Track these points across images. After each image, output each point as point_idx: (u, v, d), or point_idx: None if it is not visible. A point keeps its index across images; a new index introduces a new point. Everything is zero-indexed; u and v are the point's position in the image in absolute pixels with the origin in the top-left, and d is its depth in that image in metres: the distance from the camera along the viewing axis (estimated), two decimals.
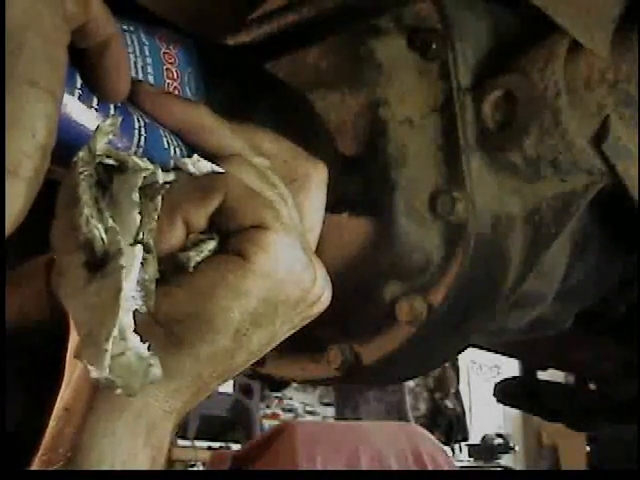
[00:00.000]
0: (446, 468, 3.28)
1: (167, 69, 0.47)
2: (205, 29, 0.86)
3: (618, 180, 0.60)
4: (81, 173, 0.39)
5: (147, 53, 0.46)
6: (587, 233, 0.74)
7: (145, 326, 0.39)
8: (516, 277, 0.64)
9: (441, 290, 0.62)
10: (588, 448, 4.21)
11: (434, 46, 0.61)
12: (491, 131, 0.61)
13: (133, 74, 0.45)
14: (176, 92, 0.47)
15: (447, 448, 4.20)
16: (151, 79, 0.46)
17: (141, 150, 0.41)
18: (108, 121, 0.39)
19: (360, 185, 0.64)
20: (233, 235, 0.42)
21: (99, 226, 0.39)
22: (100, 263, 0.39)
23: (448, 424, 5.77)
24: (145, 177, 0.40)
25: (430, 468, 3.20)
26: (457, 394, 5.98)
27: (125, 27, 0.45)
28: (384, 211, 0.63)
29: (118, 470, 0.40)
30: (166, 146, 0.42)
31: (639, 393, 1.10)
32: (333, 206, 0.58)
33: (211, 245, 0.42)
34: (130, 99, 0.42)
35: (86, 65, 0.39)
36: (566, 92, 0.59)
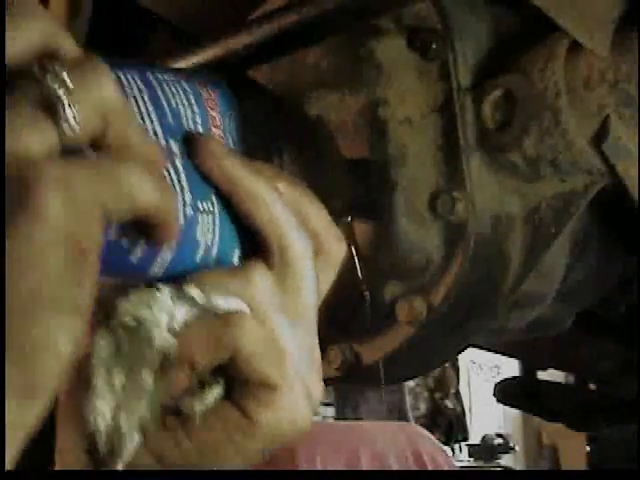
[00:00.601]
0: (446, 468, 3.28)
1: (211, 117, 0.45)
2: (205, 29, 0.86)
3: (618, 180, 0.60)
4: (98, 357, 0.39)
5: (192, 101, 0.44)
6: (587, 233, 0.74)
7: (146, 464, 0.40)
8: (516, 277, 0.64)
9: (441, 290, 0.62)
10: (588, 448, 4.21)
11: (434, 46, 0.61)
12: (491, 131, 0.61)
13: (184, 126, 0.43)
14: (221, 141, 0.46)
15: (447, 448, 4.20)
16: (200, 129, 0.44)
17: (163, 270, 0.39)
18: (133, 298, 0.38)
19: (361, 187, 0.64)
20: (238, 386, 0.42)
21: (107, 416, 0.39)
22: (102, 457, 0.39)
23: (448, 424, 5.77)
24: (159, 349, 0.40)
25: (430, 468, 3.20)
26: (457, 394, 5.98)
27: (169, 78, 0.44)
28: (384, 211, 0.63)
29: (119, 470, 0.40)
30: (197, 261, 0.41)
31: (639, 393, 1.10)
32: (340, 211, 0.58)
33: (216, 391, 0.42)
34: (190, 154, 0.41)
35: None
36: (566, 92, 0.59)
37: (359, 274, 0.64)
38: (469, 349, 0.77)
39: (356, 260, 0.64)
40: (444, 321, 0.63)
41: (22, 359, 0.32)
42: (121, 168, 0.34)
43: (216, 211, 0.42)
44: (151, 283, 0.41)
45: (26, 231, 0.31)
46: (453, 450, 5.82)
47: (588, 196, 0.62)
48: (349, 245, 0.65)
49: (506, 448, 6.38)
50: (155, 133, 0.40)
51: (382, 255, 0.63)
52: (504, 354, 1.23)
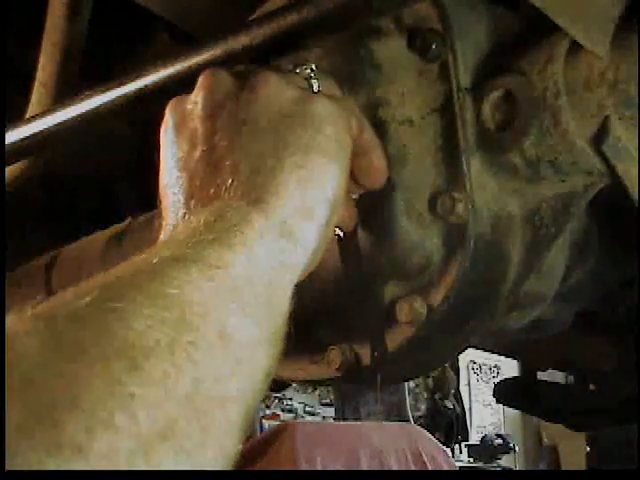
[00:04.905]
0: (446, 468, 3.29)
1: None
2: (204, 29, 0.86)
3: (618, 181, 0.60)
4: None
5: None
6: (587, 233, 0.74)
7: None
8: (516, 277, 0.64)
9: (441, 290, 0.62)
10: (588, 448, 4.21)
11: (434, 46, 0.61)
12: (491, 131, 0.61)
13: None
14: None
15: (447, 448, 4.21)
16: None
17: None
18: None
19: None
20: None
21: None
22: None
23: (448, 424, 5.77)
24: None
25: (430, 468, 3.21)
26: (457, 394, 5.98)
27: None
28: (384, 211, 0.63)
29: (121, 470, 0.39)
30: None
31: (639, 393, 1.10)
32: None
33: None
34: None
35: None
36: (566, 92, 0.59)
37: (359, 274, 0.64)
38: (469, 349, 0.77)
39: (357, 260, 0.64)
40: (444, 321, 0.63)
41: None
42: None
43: None
44: None
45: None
46: (453, 450, 5.82)
47: (588, 196, 0.62)
48: (350, 245, 0.65)
49: (506, 448, 6.38)
50: None
51: (382, 255, 0.63)
52: (504, 354, 1.23)
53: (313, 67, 0.60)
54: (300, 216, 0.51)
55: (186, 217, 0.51)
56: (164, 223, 0.54)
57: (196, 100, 0.56)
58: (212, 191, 0.51)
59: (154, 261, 0.42)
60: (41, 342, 0.35)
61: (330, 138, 0.55)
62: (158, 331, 0.38)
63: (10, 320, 0.37)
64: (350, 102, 0.61)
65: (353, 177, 0.59)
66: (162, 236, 0.52)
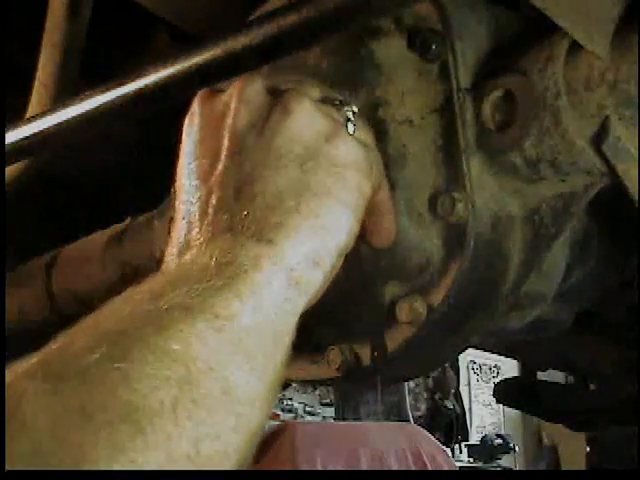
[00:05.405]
0: (446, 468, 3.29)
1: None
2: (205, 29, 0.86)
3: (618, 181, 0.60)
4: None
5: None
6: (587, 233, 0.74)
7: None
8: (516, 277, 0.64)
9: (441, 290, 0.62)
10: (588, 448, 4.21)
11: (434, 47, 0.61)
12: (491, 132, 0.61)
13: None
14: None
15: (447, 448, 4.21)
16: None
17: None
18: None
19: None
20: None
21: None
22: None
23: (448, 424, 5.77)
24: None
25: (430, 468, 3.21)
26: (457, 394, 5.98)
27: None
28: None
29: (120, 470, 0.39)
30: None
31: (639, 393, 1.10)
32: None
33: None
34: None
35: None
36: (566, 92, 0.59)
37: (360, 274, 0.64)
38: (469, 349, 0.77)
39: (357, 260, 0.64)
40: (444, 321, 0.63)
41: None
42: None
43: None
44: None
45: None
46: (453, 450, 5.82)
47: (588, 196, 0.62)
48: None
49: (506, 448, 6.38)
50: None
51: (382, 255, 0.63)
52: (504, 354, 1.23)
53: (354, 109, 0.59)
54: (309, 264, 0.51)
55: (198, 237, 0.51)
56: (174, 226, 0.54)
57: (228, 105, 0.56)
58: (225, 218, 0.51)
59: (164, 307, 0.43)
60: (50, 409, 0.36)
61: (352, 187, 0.54)
62: (162, 391, 0.39)
63: (19, 373, 0.39)
64: (377, 155, 0.60)
65: (359, 233, 0.58)
66: (170, 249, 0.53)
